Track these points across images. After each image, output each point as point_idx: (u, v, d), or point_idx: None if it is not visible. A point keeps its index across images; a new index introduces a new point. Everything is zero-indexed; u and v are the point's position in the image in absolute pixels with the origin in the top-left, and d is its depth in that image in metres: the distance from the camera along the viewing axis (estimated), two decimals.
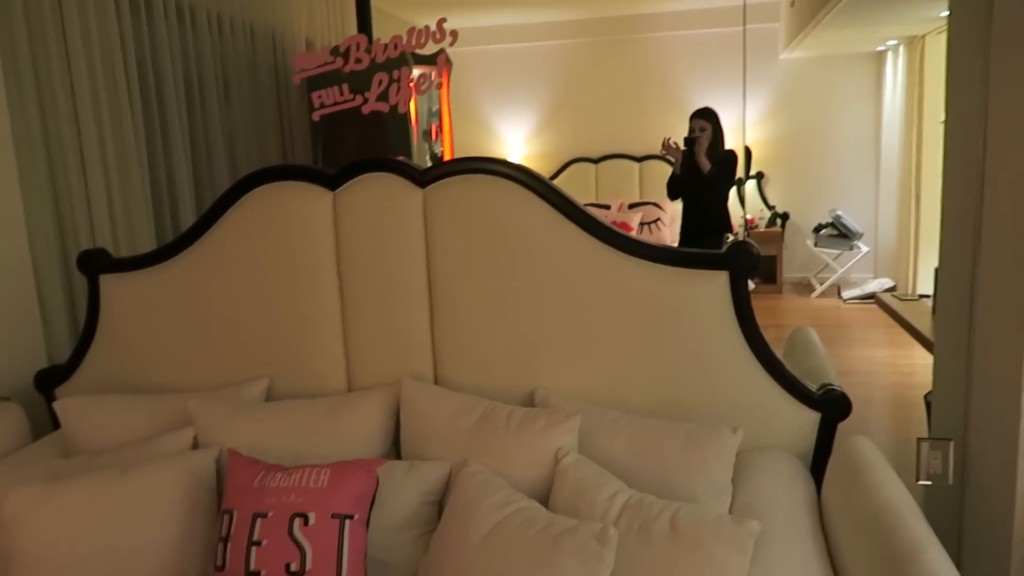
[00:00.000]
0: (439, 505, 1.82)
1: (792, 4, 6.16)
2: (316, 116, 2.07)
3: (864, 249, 6.79)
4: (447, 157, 4.85)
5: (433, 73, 3.90)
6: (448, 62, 4.03)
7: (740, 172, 6.74)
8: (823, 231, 6.86)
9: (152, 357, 2.24)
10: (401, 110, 2.00)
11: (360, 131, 4.39)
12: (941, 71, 6.05)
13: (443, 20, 1.95)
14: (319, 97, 2.05)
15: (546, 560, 1.40)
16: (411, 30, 1.96)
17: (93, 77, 2.87)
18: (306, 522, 1.57)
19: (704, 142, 4.00)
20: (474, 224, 2.00)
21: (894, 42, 6.58)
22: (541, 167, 7.25)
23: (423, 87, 1.99)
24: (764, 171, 7.15)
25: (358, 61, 2.00)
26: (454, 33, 1.95)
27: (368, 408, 2.00)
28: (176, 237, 2.22)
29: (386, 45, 2.01)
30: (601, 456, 1.75)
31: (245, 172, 3.86)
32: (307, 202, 2.09)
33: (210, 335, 2.20)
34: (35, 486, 1.65)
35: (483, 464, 1.75)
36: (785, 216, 7.03)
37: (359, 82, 2.10)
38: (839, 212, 6.77)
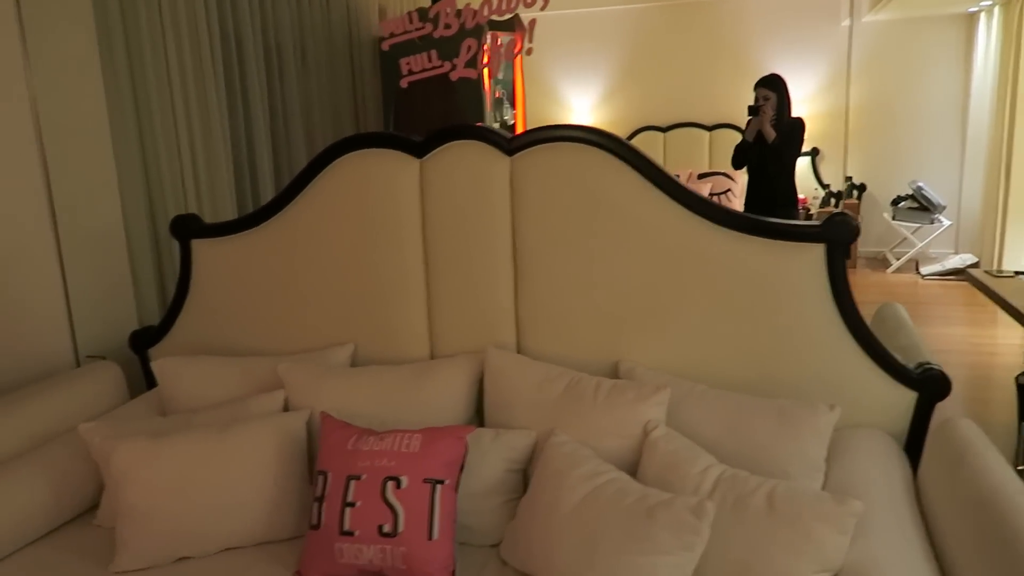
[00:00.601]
0: (523, 473, 1.84)
1: None
2: (404, 83, 2.06)
3: (945, 223, 6.50)
4: (519, 126, 4.82)
5: (520, 39, 3.85)
6: (523, 28, 3.98)
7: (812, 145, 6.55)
8: (902, 203, 6.58)
9: (241, 320, 2.30)
10: (490, 77, 1.98)
11: (433, 99, 4.38)
12: None
13: None
14: (407, 64, 2.05)
15: (640, 532, 1.40)
16: None
17: (180, 48, 2.94)
18: (398, 485, 1.60)
19: (768, 111, 3.88)
20: (561, 192, 1.98)
21: (988, 2, 6.24)
22: None
23: (512, 53, 1.96)
24: (841, 142, 6.83)
25: (447, 27, 1.98)
26: None
27: (452, 375, 2.01)
28: (265, 203, 2.26)
29: (475, 11, 1.98)
30: (689, 430, 1.73)
31: (320, 140, 3.97)
32: (394, 170, 2.09)
33: (297, 300, 2.24)
34: (141, 441, 1.72)
35: (569, 434, 1.75)
36: (862, 187, 6.74)
37: (439, 49, 2.08)
38: (920, 183, 6.48)
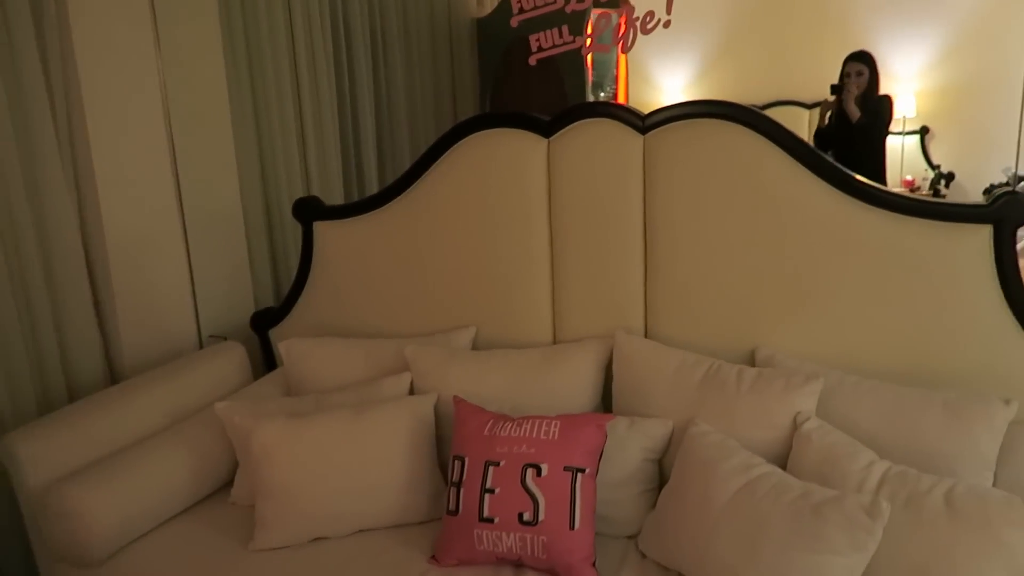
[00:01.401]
0: (659, 463, 1.77)
1: None
2: (533, 60, 2.00)
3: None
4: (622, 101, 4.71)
5: (625, 18, 3.75)
6: (629, 5, 3.87)
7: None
8: (995, 192, 6.08)
9: (363, 302, 2.30)
10: (623, 52, 1.90)
11: (531, 80, 4.31)
12: None
13: None
14: (536, 40, 1.98)
15: (807, 530, 1.31)
16: None
17: (294, 35, 2.96)
18: (539, 473, 1.56)
19: (855, 88, 3.68)
20: (697, 171, 1.89)
21: None
22: None
23: (649, 26, 1.87)
24: (931, 126, 6.36)
25: (580, 0, 1.91)
26: None
27: (580, 360, 1.96)
28: (387, 185, 2.25)
29: None
30: (842, 423, 1.63)
31: (421, 122, 3.97)
32: (521, 150, 2.04)
33: (419, 283, 2.22)
34: (280, 421, 1.73)
35: (710, 424, 1.67)
36: (950, 176, 6.24)
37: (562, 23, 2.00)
38: (1011, 168, 5.98)
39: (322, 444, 1.70)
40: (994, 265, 1.71)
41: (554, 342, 2.13)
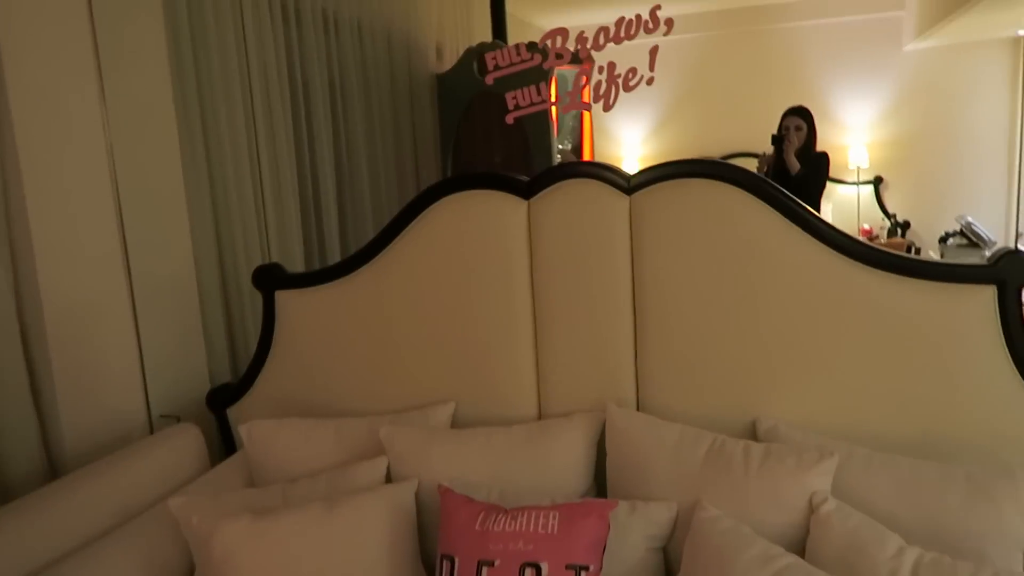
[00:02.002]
0: (663, 552, 1.63)
1: None
2: (510, 119, 1.90)
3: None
4: (587, 157, 4.67)
5: (586, 74, 3.72)
6: (591, 62, 3.84)
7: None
8: (951, 240, 6.21)
9: (330, 377, 2.14)
10: (606, 109, 1.82)
11: (495, 136, 4.25)
12: None
13: (657, 7, 1.76)
14: (513, 98, 1.89)
15: None
16: (620, 20, 1.78)
17: (251, 91, 2.83)
18: (538, 573, 1.40)
19: (796, 141, 3.73)
20: (687, 233, 1.80)
21: None
22: None
23: (631, 83, 1.80)
24: (884, 175, 6.51)
25: (559, 56, 1.83)
26: (669, 22, 1.77)
27: (570, 438, 1.83)
28: (355, 251, 2.11)
29: (586, 39, 1.83)
30: (857, 502, 1.52)
31: (383, 180, 3.85)
32: (499, 212, 1.93)
33: (392, 355, 2.07)
34: (244, 521, 1.54)
35: (717, 506, 1.55)
36: (906, 225, 6.38)
37: (525, 81, 1.91)
38: (969, 218, 6.13)
39: (291, 546, 1.52)
40: (1000, 327, 1.64)
41: (539, 416, 1.99)
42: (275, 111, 2.98)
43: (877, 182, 6.50)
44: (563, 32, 1.83)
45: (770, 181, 1.74)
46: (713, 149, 7.00)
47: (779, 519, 1.52)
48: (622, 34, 1.78)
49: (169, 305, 2.46)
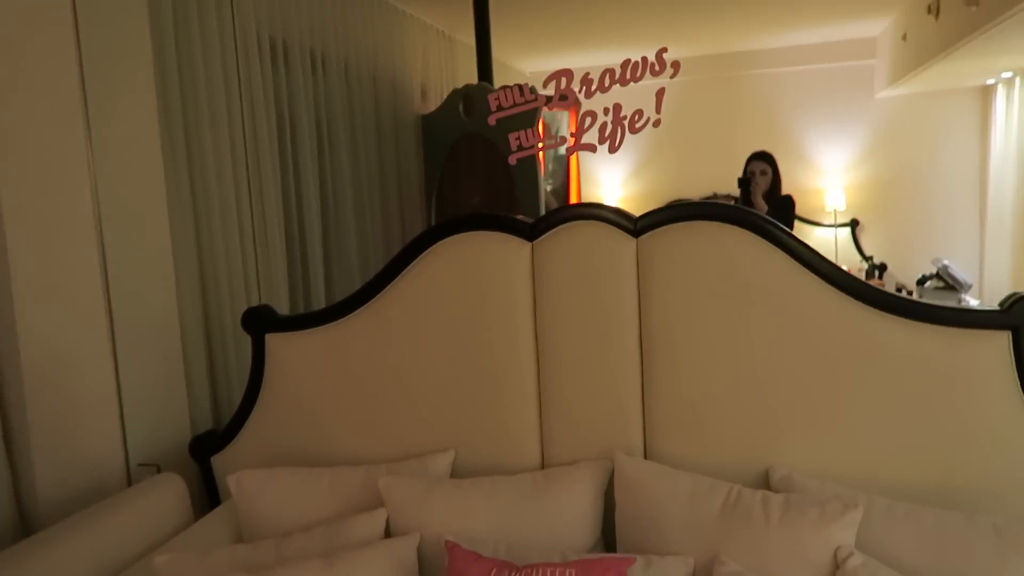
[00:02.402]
0: None
1: (904, 38, 5.84)
2: (513, 160, 1.87)
3: (972, 303, 6.24)
4: (573, 199, 4.67)
5: (574, 115, 3.73)
6: (577, 103, 3.86)
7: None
8: (927, 283, 6.30)
9: (324, 424, 2.05)
10: (612, 151, 1.79)
11: (479, 177, 4.23)
12: None
13: (664, 50, 1.75)
14: (516, 139, 1.86)
15: None
16: (626, 62, 1.76)
17: (238, 132, 2.77)
18: None
19: (763, 184, 3.81)
20: (696, 276, 1.76)
21: (1008, 74, 6.17)
22: (638, 208, 7.00)
23: (638, 125, 1.78)
24: (859, 218, 6.61)
25: (563, 97, 1.81)
26: (676, 64, 1.75)
27: (577, 487, 1.76)
28: (352, 293, 2.04)
29: (591, 80, 1.81)
30: (881, 555, 1.47)
31: (369, 222, 3.79)
32: (501, 254, 1.89)
33: (389, 401, 2.00)
34: None
35: (736, 561, 1.48)
36: (883, 267, 6.47)
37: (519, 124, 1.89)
38: (945, 261, 6.22)
39: None
40: (1015, 372, 1.62)
41: (542, 465, 1.92)
42: (263, 152, 2.93)
43: (854, 224, 6.60)
44: (567, 73, 1.81)
45: (779, 224, 1.72)
46: (693, 191, 7.06)
47: (802, 574, 1.46)
48: (628, 76, 1.76)
49: (151, 349, 2.36)
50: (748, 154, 6.67)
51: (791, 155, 6.61)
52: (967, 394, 1.65)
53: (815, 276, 1.71)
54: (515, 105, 1.86)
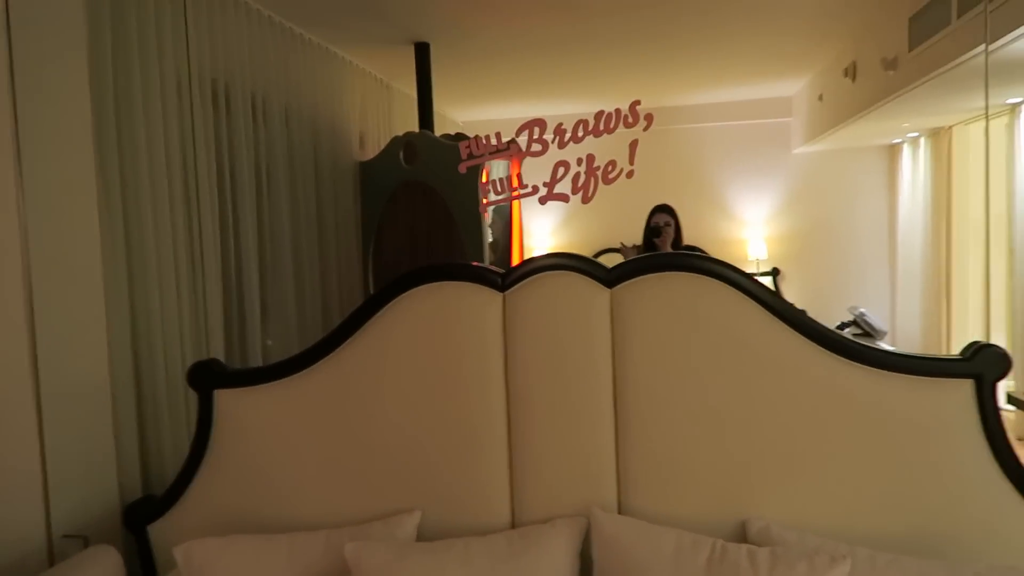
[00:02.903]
0: None
1: (820, 98, 6.20)
2: (484, 209, 1.84)
3: (887, 348, 6.53)
4: (516, 249, 4.66)
5: (516, 165, 3.74)
6: (520, 151, 3.88)
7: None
8: (846, 330, 6.58)
9: (279, 486, 1.92)
10: (585, 202, 1.79)
11: (421, 226, 4.18)
12: (968, 162, 5.93)
13: (636, 102, 1.77)
14: (488, 187, 1.83)
15: None
16: (599, 113, 1.77)
17: (175, 182, 2.64)
18: None
19: (670, 234, 3.98)
20: (671, 328, 1.76)
21: (914, 134, 6.62)
22: None
23: (611, 176, 1.78)
24: (780, 267, 6.88)
25: (537, 147, 1.80)
26: (649, 117, 1.77)
27: (553, 546, 1.69)
28: (310, 346, 1.94)
29: (564, 131, 1.81)
30: None
31: (307, 272, 3.67)
32: (471, 306, 1.84)
33: (350, 459, 1.89)
34: None
35: None
36: (803, 314, 6.70)
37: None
38: (862, 309, 6.54)
39: None
40: (979, 420, 1.67)
41: (512, 523, 1.85)
42: (203, 200, 2.80)
43: (775, 273, 6.86)
44: (540, 123, 1.81)
45: (752, 276, 1.74)
46: (623, 238, 7.18)
47: None
48: (601, 127, 1.77)
49: (79, 412, 2.18)
50: (677, 206, 6.86)
51: (716, 207, 6.88)
52: (935, 442, 1.68)
53: (787, 327, 1.73)
54: (487, 154, 1.84)
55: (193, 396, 2.04)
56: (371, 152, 4.56)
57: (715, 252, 6.18)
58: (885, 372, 1.70)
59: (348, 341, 1.90)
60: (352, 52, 4.47)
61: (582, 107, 6.93)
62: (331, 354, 1.91)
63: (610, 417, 1.80)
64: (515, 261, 4.64)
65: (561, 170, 1.81)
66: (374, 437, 1.89)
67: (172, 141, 2.63)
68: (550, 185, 1.81)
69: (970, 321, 6.04)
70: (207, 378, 1.98)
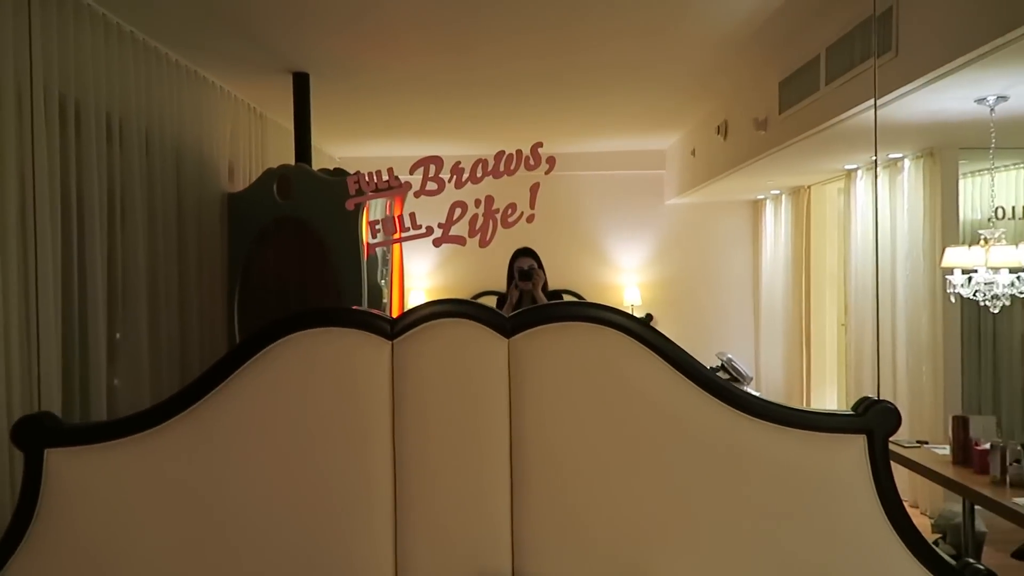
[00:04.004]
0: None
1: (693, 153, 6.48)
2: (369, 247, 1.69)
3: (753, 393, 6.84)
4: (396, 291, 4.48)
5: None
6: (409, 189, 3.74)
7: None
8: (717, 375, 6.82)
9: (124, 565, 1.65)
10: (482, 245, 1.68)
11: (292, 263, 3.94)
12: (824, 219, 6.44)
13: (539, 144, 1.69)
14: (375, 226, 1.68)
15: None
16: (499, 154, 1.68)
17: (6, 203, 2.32)
18: None
19: (541, 276, 4.08)
20: (571, 380, 1.66)
21: (776, 191, 7.06)
22: None
23: (511, 219, 1.68)
24: (654, 313, 7.09)
25: (432, 186, 1.68)
26: (551, 160, 1.70)
27: None
28: (165, 399, 1.70)
29: (462, 170, 1.70)
30: None
31: (165, 311, 3.33)
32: (356, 355, 1.67)
33: (212, 530, 1.65)
34: None
35: None
36: None
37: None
38: (729, 355, 6.85)
39: None
40: (871, 477, 1.67)
41: None
42: (41, 228, 2.47)
43: (648, 318, 7.03)
44: (437, 161, 1.69)
45: (656, 328, 1.68)
46: (499, 282, 7.13)
47: None
48: (501, 168, 1.68)
49: None
50: (555, 252, 6.98)
51: (593, 253, 7.00)
52: (832, 498, 1.67)
53: (689, 381, 1.68)
54: (376, 191, 1.69)
55: (18, 456, 1.74)
56: (241, 184, 4.29)
57: (592, 296, 6.36)
58: (784, 428, 1.67)
59: (210, 394, 1.67)
60: (222, 77, 4.22)
61: (464, 150, 6.88)
62: (189, 409, 1.67)
63: (506, 477, 1.67)
64: (395, 304, 4.48)
65: (458, 211, 1.69)
66: (240, 503, 1.66)
67: (7, 159, 2.31)
68: (445, 226, 1.69)
69: (827, 370, 6.41)
70: (37, 435, 1.69)
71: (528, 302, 3.95)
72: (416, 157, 1.73)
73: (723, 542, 1.66)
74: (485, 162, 1.69)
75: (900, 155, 4.83)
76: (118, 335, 3.03)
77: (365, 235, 3.43)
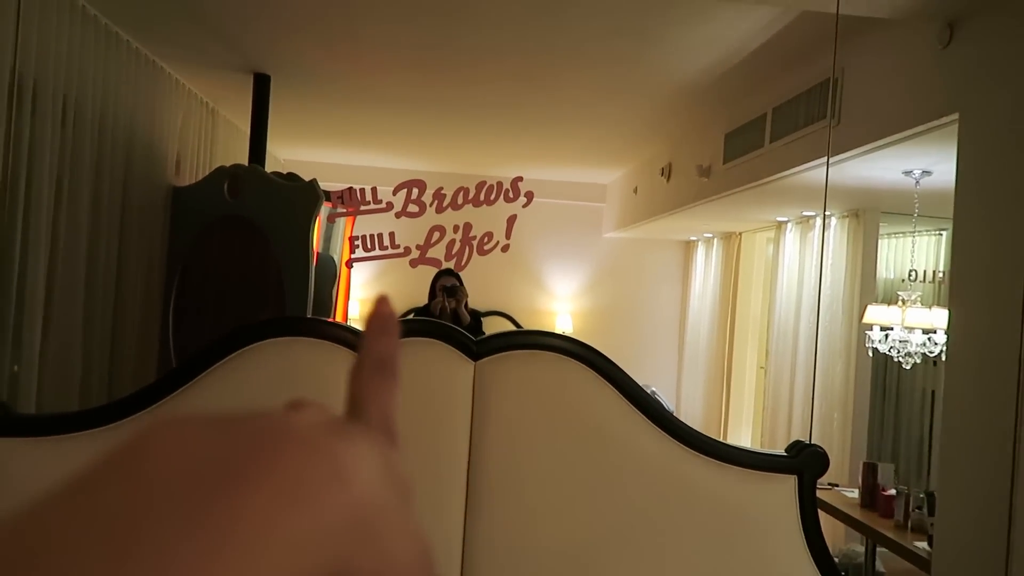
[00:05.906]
0: None
1: (635, 191, 6.70)
2: (349, 264, 1.72)
3: (727, 442, 7.06)
4: (341, 307, 4.46)
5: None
6: (356, 205, 3.75)
7: None
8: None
9: None
10: (458, 269, 1.74)
11: (236, 266, 3.88)
12: (752, 266, 6.75)
13: (519, 179, 1.76)
14: (357, 243, 1.72)
15: None
16: (480, 184, 1.75)
17: None
18: None
19: (465, 293, 4.23)
20: (534, 409, 1.73)
21: (709, 235, 7.35)
22: None
23: (487, 247, 1.75)
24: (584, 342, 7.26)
25: (413, 208, 1.73)
26: (529, 195, 1.77)
27: None
28: (121, 397, 1.68)
29: (444, 195, 1.76)
30: None
31: (101, 309, 3.23)
32: (318, 367, 1.69)
33: None
34: None
35: None
36: None
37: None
38: (654, 388, 7.07)
39: None
40: (799, 516, 1.79)
41: None
42: None
43: None
44: (420, 184, 1.75)
45: (616, 364, 1.77)
46: (423, 300, 7.18)
47: None
48: (481, 198, 1.74)
49: None
50: (488, 275, 7.07)
51: (528, 278, 7.11)
52: (763, 533, 1.78)
53: (644, 416, 1.77)
54: (360, 211, 1.74)
55: None
56: (187, 179, 4.21)
57: (524, 321, 6.41)
58: (723, 464, 1.78)
59: (170, 398, 1.66)
60: (178, 69, 4.15)
61: (413, 165, 6.93)
62: (156, 404, 1.66)
63: (460, 503, 1.72)
64: (340, 314, 4.48)
65: (436, 234, 1.75)
66: None
67: None
68: (423, 248, 1.74)
69: (744, 410, 6.68)
70: None
71: (449, 318, 4.06)
72: (363, 167, 1.79)
73: (664, 568, 1.74)
74: (466, 191, 1.75)
75: (812, 213, 5.18)
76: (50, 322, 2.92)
77: (316, 243, 3.43)
